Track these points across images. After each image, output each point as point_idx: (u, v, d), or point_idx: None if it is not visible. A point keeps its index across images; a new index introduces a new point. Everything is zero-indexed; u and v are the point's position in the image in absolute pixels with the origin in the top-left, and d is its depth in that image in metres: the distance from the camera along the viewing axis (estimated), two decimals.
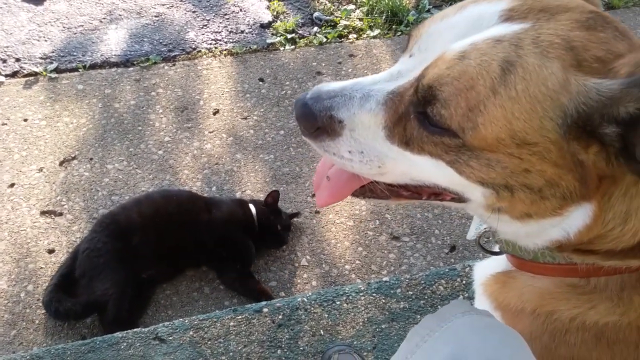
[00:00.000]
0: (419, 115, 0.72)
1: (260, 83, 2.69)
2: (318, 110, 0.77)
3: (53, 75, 2.69)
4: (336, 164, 0.83)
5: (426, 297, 1.72)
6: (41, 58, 2.79)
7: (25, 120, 2.48)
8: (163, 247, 1.94)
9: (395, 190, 0.85)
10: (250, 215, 2.06)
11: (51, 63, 2.75)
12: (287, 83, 2.70)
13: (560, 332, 0.81)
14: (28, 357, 1.57)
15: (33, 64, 2.75)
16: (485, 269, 0.98)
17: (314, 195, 2.26)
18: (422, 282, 1.75)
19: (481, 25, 0.70)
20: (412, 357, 0.71)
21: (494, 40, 0.67)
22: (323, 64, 2.81)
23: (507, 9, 0.70)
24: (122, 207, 2.04)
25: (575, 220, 0.74)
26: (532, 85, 0.65)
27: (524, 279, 0.88)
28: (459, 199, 0.79)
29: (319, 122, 0.78)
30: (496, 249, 0.98)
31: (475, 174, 0.72)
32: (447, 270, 1.79)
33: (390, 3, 3.17)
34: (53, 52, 2.83)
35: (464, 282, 1.76)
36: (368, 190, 0.87)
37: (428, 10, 3.23)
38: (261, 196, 2.25)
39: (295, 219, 2.17)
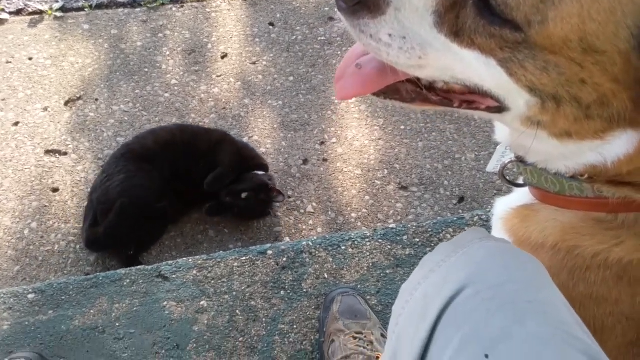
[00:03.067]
0: (478, 3, 0.64)
1: (270, 27, 2.61)
2: None
3: (59, 14, 2.63)
4: (370, 50, 0.72)
5: (433, 244, 1.69)
6: None
7: (30, 59, 2.44)
8: (176, 175, 1.92)
9: (424, 94, 0.77)
10: (250, 168, 2.02)
11: (57, 2, 2.68)
12: (298, 28, 2.62)
13: (581, 269, 0.77)
14: (30, 291, 1.57)
15: (38, 2, 2.68)
16: (506, 204, 0.94)
17: (322, 143, 2.22)
18: (430, 230, 1.72)
19: None
20: (425, 282, 0.68)
21: None
22: (335, 10, 2.72)
23: None
24: (135, 137, 2.04)
25: (616, 147, 0.69)
26: None
27: (547, 212, 0.84)
28: (496, 108, 0.73)
29: None
30: (520, 181, 0.93)
31: (528, 77, 0.65)
32: (455, 219, 1.76)
33: None
34: None
35: None
36: (392, 90, 0.78)
37: None
38: (268, 143, 2.21)
39: (303, 166, 2.13)
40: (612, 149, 0.70)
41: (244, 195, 1.91)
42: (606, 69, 0.61)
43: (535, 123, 0.70)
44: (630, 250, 0.74)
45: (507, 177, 0.95)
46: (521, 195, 0.93)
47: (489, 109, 0.74)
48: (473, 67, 0.68)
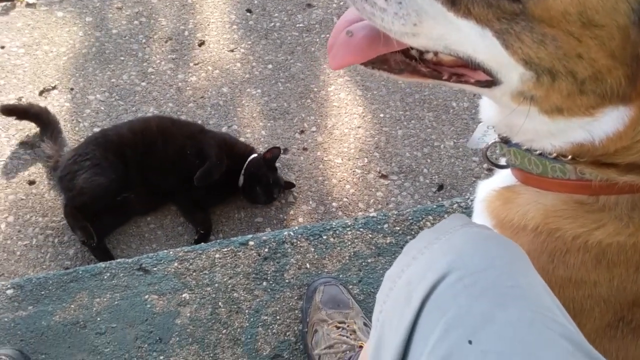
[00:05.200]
0: None
1: (248, 14, 2.59)
2: None
3: (31, 1, 2.56)
4: (364, 15, 0.70)
5: (413, 232, 1.71)
6: None
7: (2, 47, 2.38)
8: (150, 167, 1.91)
9: (413, 65, 0.76)
10: (245, 157, 2.01)
11: None
12: (276, 15, 2.60)
13: (561, 252, 0.78)
14: (9, 286, 1.55)
15: None
16: (489, 186, 0.94)
17: (302, 132, 2.22)
18: (410, 218, 1.73)
19: None
20: (408, 270, 0.69)
21: None
22: None
23: None
24: (114, 126, 2.03)
25: (605, 124, 0.69)
26: None
27: (529, 194, 0.84)
28: (486, 82, 0.72)
29: None
30: (502, 162, 0.94)
31: (524, 49, 0.64)
32: (434, 207, 1.78)
33: None
34: None
35: None
36: (381, 60, 0.77)
37: None
38: (247, 132, 2.20)
39: (283, 155, 2.13)
40: (600, 126, 0.70)
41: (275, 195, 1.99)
42: (604, 44, 0.62)
43: (528, 98, 0.70)
44: (610, 234, 0.75)
45: (489, 158, 0.96)
46: (503, 177, 0.93)
47: (479, 83, 0.74)
48: (468, 37, 0.67)
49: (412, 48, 0.76)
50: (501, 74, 0.70)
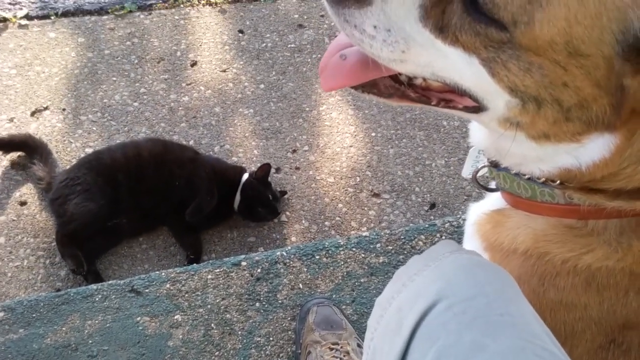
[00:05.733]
0: (469, 1, 0.64)
1: (240, 35, 2.61)
2: None
3: (23, 22, 2.57)
4: (353, 41, 0.72)
5: (405, 252, 1.71)
6: (10, 4, 2.66)
7: None
8: (142, 192, 1.91)
9: (402, 90, 0.77)
10: (238, 178, 2.01)
11: (21, 9, 2.63)
12: (268, 35, 2.62)
13: (551, 275, 0.79)
14: (0, 309, 1.54)
15: (1, 9, 2.62)
16: (479, 209, 0.95)
17: (294, 151, 2.23)
18: (402, 237, 1.74)
19: None
20: (399, 297, 0.69)
21: None
22: (305, 17, 2.73)
23: None
24: (107, 148, 2.02)
25: (592, 151, 0.70)
26: None
27: (519, 218, 0.85)
28: (474, 108, 0.73)
29: None
30: (492, 186, 0.95)
31: (510, 77, 0.65)
32: (426, 225, 1.79)
33: None
34: None
35: (443, 237, 1.76)
36: (370, 84, 0.78)
37: None
38: (240, 151, 2.21)
39: (275, 175, 2.14)
40: (587, 152, 0.71)
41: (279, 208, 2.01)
42: (589, 73, 0.62)
43: (515, 124, 0.71)
44: (599, 258, 0.76)
45: (479, 181, 0.97)
46: (494, 200, 0.94)
47: (467, 109, 0.75)
48: (455, 64, 0.68)
49: (401, 73, 0.77)
50: (487, 100, 0.71)
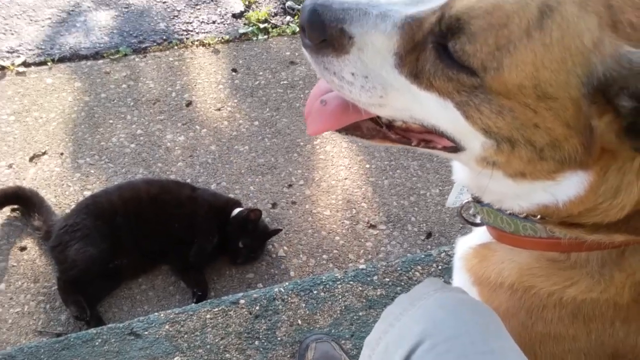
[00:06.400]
0: (437, 47, 0.67)
1: (234, 73, 2.66)
2: (329, 20, 0.70)
3: (21, 69, 2.63)
4: (333, 87, 0.76)
5: (403, 283, 1.72)
6: (8, 52, 2.72)
7: None
8: (141, 233, 1.92)
9: (383, 132, 0.80)
10: (228, 214, 2.03)
11: (18, 57, 2.69)
12: (261, 73, 2.67)
13: (538, 308, 0.80)
14: (0, 357, 1.54)
15: (0, 57, 2.68)
16: (466, 243, 0.97)
17: (290, 186, 2.26)
18: (399, 268, 1.75)
19: None
20: (386, 336, 0.71)
21: None
22: (297, 54, 2.79)
23: None
24: (104, 191, 2.04)
25: (567, 188, 0.72)
26: (568, 36, 0.61)
27: (504, 252, 0.87)
28: (452, 148, 0.76)
29: (328, 33, 0.70)
30: (478, 220, 0.97)
31: (483, 120, 0.68)
32: (423, 256, 1.80)
33: None
34: (20, 45, 2.77)
35: (439, 267, 1.77)
36: (353, 126, 0.81)
37: None
38: (236, 188, 2.24)
39: (272, 210, 2.16)
40: (563, 189, 0.73)
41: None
42: (558, 115, 0.65)
43: (491, 163, 0.73)
44: (583, 290, 0.78)
45: (465, 216, 0.99)
46: (480, 234, 0.97)
47: (445, 149, 0.78)
48: (430, 108, 0.71)
49: (379, 117, 0.80)
50: (464, 141, 0.74)
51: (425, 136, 0.79)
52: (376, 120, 0.82)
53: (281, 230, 2.10)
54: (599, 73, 0.61)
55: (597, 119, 0.64)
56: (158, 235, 1.94)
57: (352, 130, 0.82)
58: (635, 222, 0.72)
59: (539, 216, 0.80)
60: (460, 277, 0.93)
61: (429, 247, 2.08)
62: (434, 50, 0.68)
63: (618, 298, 0.76)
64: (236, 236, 1.96)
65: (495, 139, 0.70)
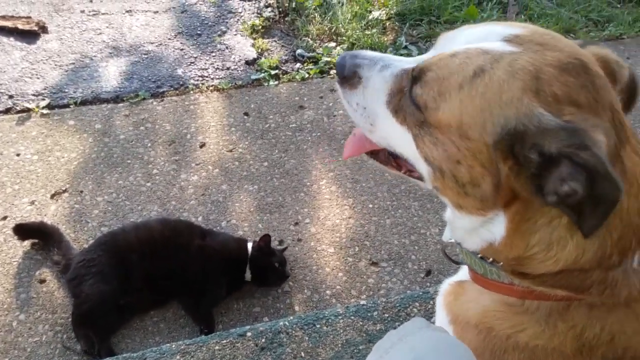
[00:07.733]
0: (409, 91, 0.87)
1: (245, 117, 2.81)
2: (349, 65, 0.97)
3: (45, 111, 2.80)
4: (348, 111, 1.01)
5: (401, 319, 1.81)
6: (34, 95, 2.90)
7: (18, 155, 2.58)
8: (154, 272, 2.02)
9: (390, 160, 1.00)
10: (244, 253, 2.14)
11: (43, 100, 2.86)
12: (271, 117, 2.82)
13: (500, 350, 0.90)
14: None
15: (26, 100, 2.85)
16: (449, 280, 1.08)
17: (296, 224, 2.37)
18: (398, 305, 1.84)
19: (487, 38, 0.83)
20: None
21: (483, 50, 0.80)
22: (305, 99, 2.95)
23: (514, 34, 0.82)
24: (121, 229, 2.15)
25: (497, 226, 0.85)
26: (490, 92, 0.77)
27: (472, 292, 0.98)
28: (419, 176, 0.92)
29: (346, 72, 0.97)
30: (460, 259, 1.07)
31: (425, 149, 0.85)
32: (421, 293, 1.89)
33: (370, 40, 3.33)
34: (45, 89, 2.95)
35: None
36: (375, 153, 1.03)
37: (405, 47, 3.39)
38: (245, 225, 2.35)
39: (278, 247, 2.27)
40: (495, 227, 0.86)
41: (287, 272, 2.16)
42: (475, 155, 0.80)
43: (436, 188, 0.90)
44: (531, 337, 0.88)
45: (447, 254, 1.11)
46: (465, 272, 1.07)
47: (418, 178, 0.95)
48: (399, 138, 0.92)
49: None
50: (418, 168, 0.91)
51: (408, 166, 0.96)
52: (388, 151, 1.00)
53: (287, 247, 2.23)
54: (512, 125, 0.75)
55: (502, 163, 0.78)
56: (170, 275, 2.04)
57: (374, 156, 1.04)
58: (574, 280, 0.83)
59: (491, 258, 0.91)
60: (440, 315, 1.04)
61: (428, 284, 2.17)
62: (408, 93, 0.87)
63: (562, 348, 0.85)
64: (264, 262, 2.09)
65: (432, 167, 0.86)
